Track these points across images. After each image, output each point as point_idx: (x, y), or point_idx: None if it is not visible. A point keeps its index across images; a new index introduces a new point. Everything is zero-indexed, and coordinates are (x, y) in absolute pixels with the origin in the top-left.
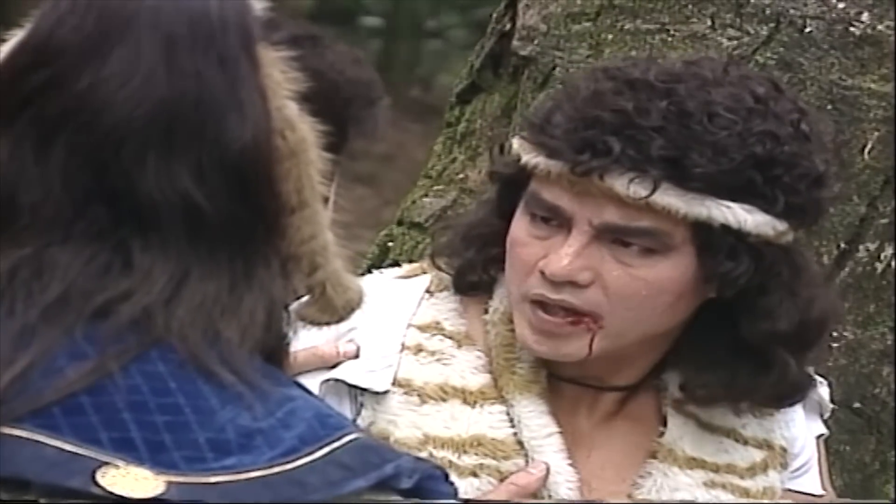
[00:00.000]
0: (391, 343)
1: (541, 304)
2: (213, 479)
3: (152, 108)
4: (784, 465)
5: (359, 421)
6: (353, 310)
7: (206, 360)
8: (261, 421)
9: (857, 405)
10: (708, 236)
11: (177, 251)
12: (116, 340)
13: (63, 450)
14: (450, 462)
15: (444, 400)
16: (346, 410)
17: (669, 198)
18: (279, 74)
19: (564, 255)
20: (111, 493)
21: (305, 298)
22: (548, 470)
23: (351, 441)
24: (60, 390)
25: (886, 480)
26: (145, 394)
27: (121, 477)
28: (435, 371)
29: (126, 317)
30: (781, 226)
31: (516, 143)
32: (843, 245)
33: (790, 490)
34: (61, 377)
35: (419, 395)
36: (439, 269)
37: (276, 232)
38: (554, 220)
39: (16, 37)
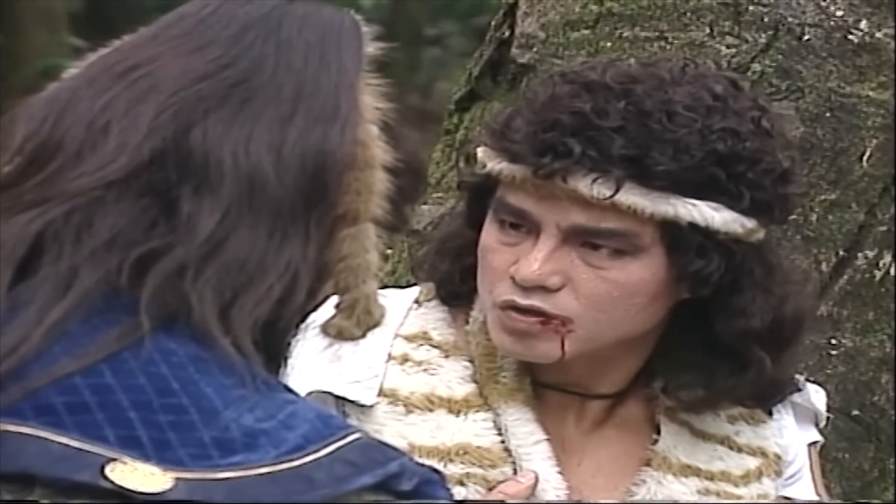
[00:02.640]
0: (378, 354)
1: (512, 307)
2: (220, 476)
3: (251, 89)
4: (779, 473)
5: None
6: (377, 327)
7: (216, 335)
8: (263, 422)
9: (855, 413)
10: (676, 235)
11: (224, 213)
12: (134, 313)
13: (69, 446)
14: None
15: (430, 410)
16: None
17: (634, 197)
18: (371, 100)
19: (534, 259)
20: (121, 486)
21: (338, 312)
22: (536, 479)
23: (355, 439)
24: (81, 359)
25: (885, 488)
26: (150, 394)
27: (129, 472)
28: (421, 381)
29: (160, 275)
30: (750, 223)
31: (481, 151)
32: (841, 253)
33: (784, 497)
34: (82, 350)
35: (405, 405)
36: (419, 281)
37: (321, 226)
38: (522, 226)
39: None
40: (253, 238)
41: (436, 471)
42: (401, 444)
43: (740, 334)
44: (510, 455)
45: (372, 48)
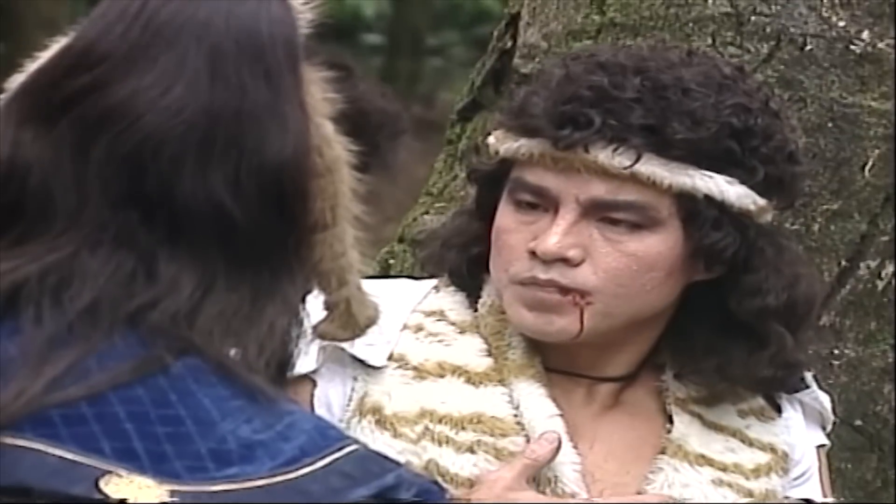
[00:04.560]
0: (393, 322)
1: (533, 282)
2: (215, 488)
3: (192, 117)
4: (785, 471)
5: (353, 393)
6: (371, 326)
7: (230, 364)
8: (261, 433)
9: (858, 423)
10: (692, 208)
11: (204, 260)
12: (146, 347)
13: (65, 458)
14: (447, 437)
15: (441, 376)
16: (348, 379)
17: (653, 167)
18: (318, 93)
19: (554, 233)
20: (115, 500)
21: (324, 315)
22: (560, 441)
23: (352, 451)
24: (90, 388)
25: (888, 498)
26: (146, 405)
27: (124, 485)
28: (434, 349)
29: (155, 324)
30: (761, 201)
31: (493, 136)
32: (844, 262)
33: (787, 497)
34: (91, 379)
35: (416, 370)
36: (431, 276)
37: (305, 246)
38: (540, 205)
39: (61, 41)
40: (239, 278)
41: (434, 482)
42: (412, 407)
43: (757, 312)
44: (522, 428)
45: (307, 31)
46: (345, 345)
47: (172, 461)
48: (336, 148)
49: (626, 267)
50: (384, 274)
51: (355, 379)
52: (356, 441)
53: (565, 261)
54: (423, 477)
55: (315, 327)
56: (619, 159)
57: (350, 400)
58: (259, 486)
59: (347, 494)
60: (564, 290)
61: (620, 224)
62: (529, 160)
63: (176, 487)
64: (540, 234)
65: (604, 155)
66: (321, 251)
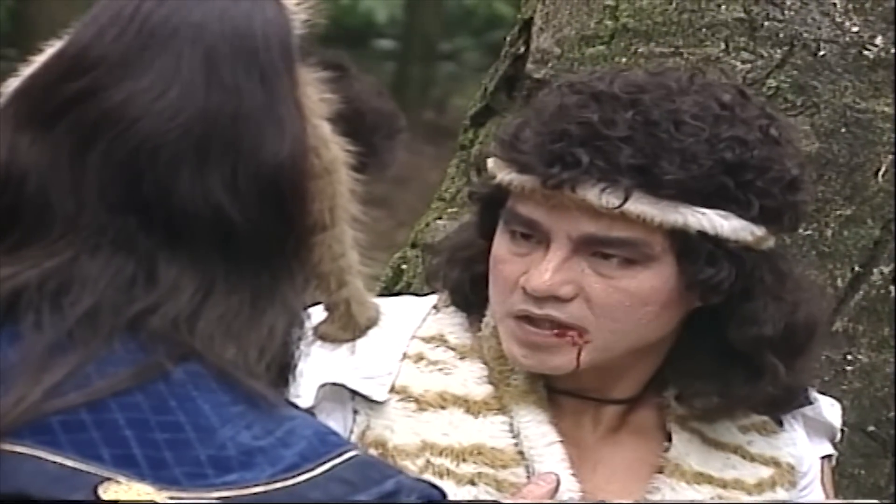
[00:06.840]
0: (393, 352)
1: (526, 318)
2: (214, 495)
3: (189, 120)
4: (793, 484)
5: (354, 427)
6: (371, 327)
7: (231, 370)
8: (261, 439)
9: (871, 429)
10: (686, 244)
11: (204, 263)
12: (146, 353)
13: (64, 465)
14: (448, 470)
15: (442, 407)
16: (348, 413)
17: (643, 206)
18: (315, 94)
19: (545, 269)
20: None
21: (324, 316)
22: (558, 481)
23: (351, 457)
24: (90, 395)
25: None
26: (146, 411)
27: (123, 492)
28: (435, 379)
29: (155, 329)
30: (760, 231)
31: (490, 162)
32: (857, 268)
33: None
34: (90, 386)
35: (417, 402)
36: (435, 291)
37: (304, 248)
38: (533, 236)
39: (54, 46)
40: (239, 281)
41: (434, 486)
42: (413, 440)
43: (753, 341)
44: (523, 457)
45: (301, 31)
46: (346, 381)
47: (172, 468)
48: (333, 149)
49: (618, 303)
50: (396, 279)
51: (356, 412)
52: (356, 447)
53: (557, 297)
54: (423, 482)
55: (315, 329)
56: (607, 199)
57: (351, 433)
58: (258, 493)
59: (347, 501)
60: (562, 327)
61: (612, 259)
62: (522, 193)
63: (175, 494)
64: (532, 268)
65: (592, 194)
66: (320, 252)
